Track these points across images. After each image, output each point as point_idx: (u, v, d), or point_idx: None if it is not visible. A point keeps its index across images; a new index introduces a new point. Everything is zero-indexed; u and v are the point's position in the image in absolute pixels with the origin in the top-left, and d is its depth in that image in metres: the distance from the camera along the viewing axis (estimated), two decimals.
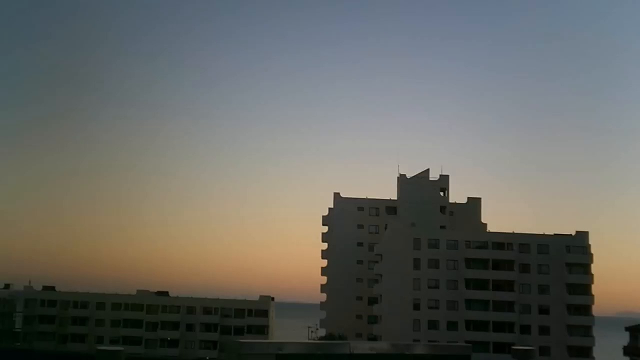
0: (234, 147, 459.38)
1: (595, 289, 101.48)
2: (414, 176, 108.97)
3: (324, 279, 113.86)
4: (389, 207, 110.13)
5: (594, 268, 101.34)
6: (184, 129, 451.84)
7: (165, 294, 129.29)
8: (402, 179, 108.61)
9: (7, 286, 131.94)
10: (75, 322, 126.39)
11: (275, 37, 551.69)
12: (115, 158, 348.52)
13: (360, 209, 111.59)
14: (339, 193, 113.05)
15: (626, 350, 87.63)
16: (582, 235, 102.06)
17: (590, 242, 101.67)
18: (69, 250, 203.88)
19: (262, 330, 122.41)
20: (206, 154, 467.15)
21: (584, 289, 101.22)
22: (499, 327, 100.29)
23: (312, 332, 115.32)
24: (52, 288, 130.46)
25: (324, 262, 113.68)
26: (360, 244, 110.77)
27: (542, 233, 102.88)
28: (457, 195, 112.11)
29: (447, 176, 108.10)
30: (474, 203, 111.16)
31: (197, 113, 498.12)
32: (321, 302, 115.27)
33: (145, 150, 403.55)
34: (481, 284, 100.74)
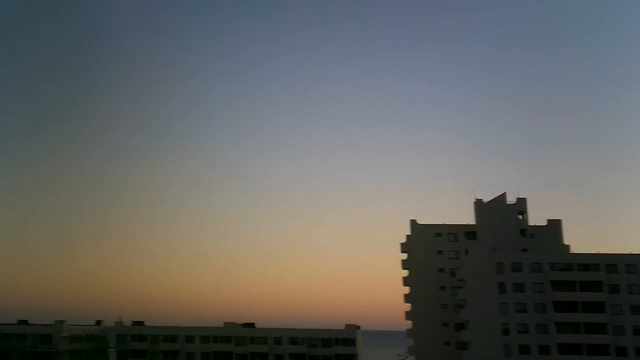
0: (309, 177, 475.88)
1: None
2: (490, 200, 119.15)
3: (407, 306, 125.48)
4: (468, 232, 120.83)
5: None
6: (255, 158, 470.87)
7: (251, 325, 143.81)
8: (479, 203, 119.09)
9: (98, 322, 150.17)
10: (167, 356, 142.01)
11: (345, 62, 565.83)
12: (189, 195, 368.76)
13: (439, 235, 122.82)
14: (415, 220, 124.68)
15: None
16: None
17: None
18: (156, 285, 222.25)
19: (350, 358, 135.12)
20: (280, 185, 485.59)
21: None
22: (593, 350, 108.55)
23: None
24: (142, 323, 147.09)
25: (406, 289, 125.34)
26: (441, 270, 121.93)
27: (629, 252, 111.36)
28: (533, 217, 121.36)
29: (525, 199, 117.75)
30: (555, 225, 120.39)
31: (273, 141, 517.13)
32: (407, 330, 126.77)
33: (221, 185, 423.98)
34: (570, 307, 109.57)
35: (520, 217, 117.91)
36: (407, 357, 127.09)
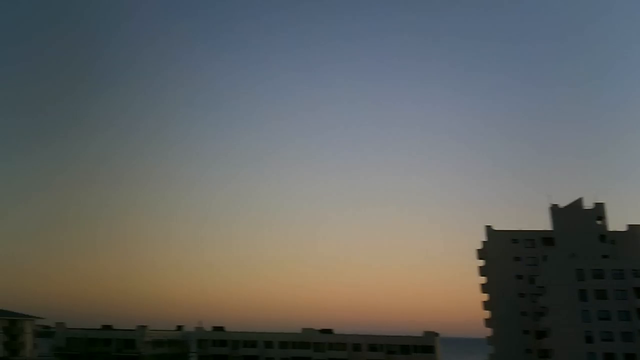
0: (385, 184, 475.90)
1: None
2: (567, 206, 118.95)
3: (486, 313, 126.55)
4: (545, 238, 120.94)
5: None
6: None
7: (329, 331, 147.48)
8: (555, 209, 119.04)
9: (179, 328, 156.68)
10: None
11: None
12: (272, 202, 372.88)
13: (515, 241, 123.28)
14: (491, 226, 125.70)
15: None
16: None
17: None
18: (237, 291, 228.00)
19: None
20: (357, 192, 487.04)
21: None
22: None
23: None
24: (222, 328, 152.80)
25: (484, 296, 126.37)
26: (519, 277, 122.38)
27: None
28: (612, 223, 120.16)
29: (603, 204, 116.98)
30: (636, 230, 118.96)
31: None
32: (487, 337, 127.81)
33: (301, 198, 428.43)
34: None
35: (599, 222, 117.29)
36: None
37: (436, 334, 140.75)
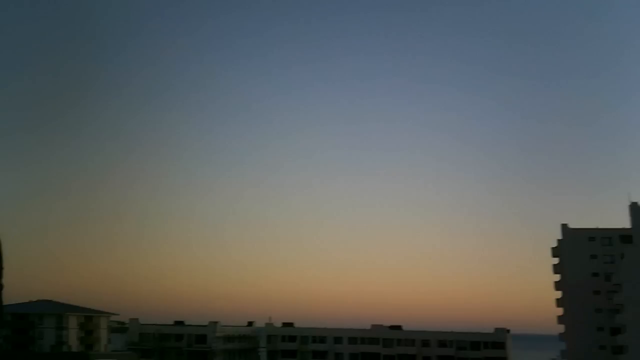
0: (455, 182, 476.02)
1: None
2: None
3: (559, 310, 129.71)
4: (623, 236, 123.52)
5: None
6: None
7: (398, 327, 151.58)
8: (634, 207, 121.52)
9: (250, 324, 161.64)
10: (316, 356, 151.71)
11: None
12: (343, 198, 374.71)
13: (592, 239, 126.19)
14: (566, 224, 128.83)
15: None
16: None
17: None
18: (306, 287, 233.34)
19: None
20: (424, 189, 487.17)
21: None
22: None
23: None
24: (291, 324, 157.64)
25: (558, 293, 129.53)
26: (595, 275, 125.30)
27: None
28: None
29: None
30: None
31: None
32: (560, 334, 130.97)
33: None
34: None
35: None
36: None
37: (507, 331, 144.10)
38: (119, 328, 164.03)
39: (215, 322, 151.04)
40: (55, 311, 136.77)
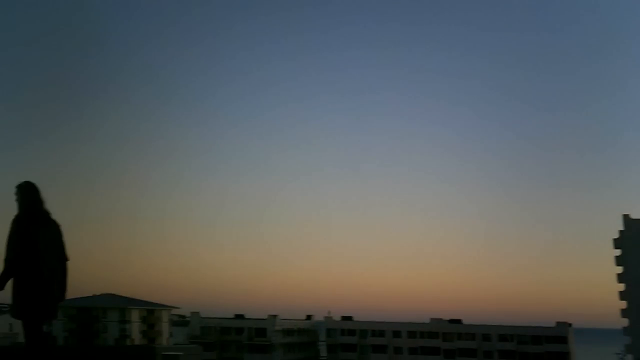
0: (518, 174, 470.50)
1: None
2: None
3: (622, 304, 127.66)
4: None
5: None
6: None
7: (458, 321, 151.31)
8: None
9: (309, 317, 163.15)
10: (375, 350, 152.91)
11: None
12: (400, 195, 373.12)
13: None
14: (628, 215, 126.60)
15: None
16: None
17: None
18: (364, 281, 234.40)
19: (563, 357, 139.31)
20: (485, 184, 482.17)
21: None
22: None
23: (620, 359, 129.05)
24: (350, 318, 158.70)
25: (621, 286, 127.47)
26: None
27: None
28: None
29: None
30: None
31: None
32: (623, 328, 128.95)
33: None
34: None
35: None
36: (624, 355, 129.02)
37: (569, 325, 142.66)
38: (181, 321, 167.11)
39: (275, 316, 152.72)
40: (118, 305, 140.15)
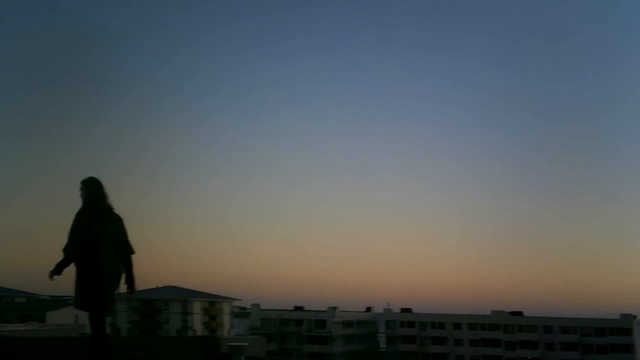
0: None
1: None
2: None
3: None
4: None
5: None
6: None
7: (519, 313, 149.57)
8: None
9: (368, 309, 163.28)
10: (435, 342, 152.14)
11: None
12: None
13: None
14: None
15: None
16: None
17: None
18: (422, 273, 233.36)
19: (627, 349, 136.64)
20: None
21: None
22: None
23: None
24: (410, 310, 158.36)
25: None
26: None
27: None
28: None
29: None
30: None
31: None
32: None
33: None
34: None
35: None
36: None
37: (634, 317, 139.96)
38: (241, 313, 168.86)
39: (334, 308, 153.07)
40: (180, 297, 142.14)
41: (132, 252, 9.06)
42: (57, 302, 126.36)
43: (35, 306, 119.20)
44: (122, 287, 9.04)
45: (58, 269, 8.53)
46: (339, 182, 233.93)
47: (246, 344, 10.84)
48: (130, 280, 9.05)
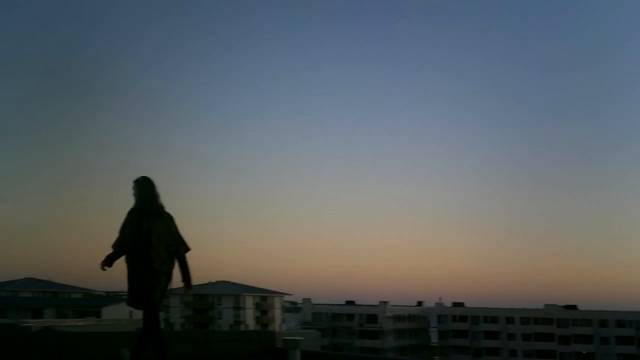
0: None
1: None
2: None
3: None
4: None
5: None
6: None
7: (573, 307, 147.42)
8: None
9: (419, 303, 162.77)
10: (487, 337, 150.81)
11: None
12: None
13: None
14: None
15: None
16: None
17: None
18: (473, 266, 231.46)
19: None
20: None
21: None
22: None
23: None
24: (462, 304, 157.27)
25: None
26: None
27: None
28: None
29: None
30: None
31: None
32: None
33: None
34: None
35: None
36: None
37: None
38: (292, 308, 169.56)
39: (386, 302, 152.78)
40: (233, 292, 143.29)
41: (187, 250, 9.17)
42: (112, 297, 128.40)
43: (91, 302, 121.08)
44: (175, 284, 9.17)
45: (108, 260, 8.67)
46: (389, 175, 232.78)
47: (301, 338, 10.79)
48: (186, 278, 9.14)
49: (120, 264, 8.85)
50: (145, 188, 9.00)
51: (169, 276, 8.93)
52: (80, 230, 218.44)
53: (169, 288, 9.00)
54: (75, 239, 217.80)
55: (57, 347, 10.73)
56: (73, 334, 15.36)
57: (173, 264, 8.99)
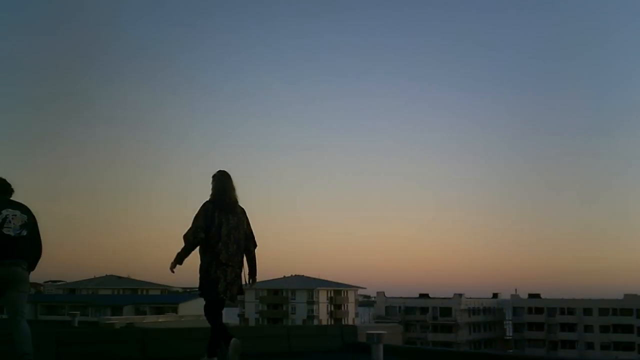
0: None
1: None
2: None
3: None
4: None
5: None
6: None
7: None
8: None
9: (495, 295, 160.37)
10: (563, 329, 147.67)
11: None
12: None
13: None
14: None
15: None
16: None
17: None
18: (552, 257, 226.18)
19: None
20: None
21: None
22: None
23: None
24: (538, 295, 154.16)
25: None
26: None
27: None
28: None
29: None
30: None
31: None
32: None
33: None
34: None
35: None
36: None
37: None
38: (366, 301, 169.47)
39: (460, 295, 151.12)
40: (306, 286, 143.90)
41: (255, 246, 9.24)
42: (189, 293, 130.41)
43: (168, 298, 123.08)
44: (244, 278, 9.15)
45: (179, 259, 8.68)
46: (463, 166, 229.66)
47: (384, 332, 10.53)
48: (252, 273, 9.19)
49: (194, 259, 8.87)
50: (220, 181, 9.08)
51: (236, 269, 8.91)
52: (157, 226, 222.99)
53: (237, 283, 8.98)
54: (152, 235, 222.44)
55: (141, 343, 10.76)
56: (155, 330, 15.43)
57: (242, 257, 9.04)
